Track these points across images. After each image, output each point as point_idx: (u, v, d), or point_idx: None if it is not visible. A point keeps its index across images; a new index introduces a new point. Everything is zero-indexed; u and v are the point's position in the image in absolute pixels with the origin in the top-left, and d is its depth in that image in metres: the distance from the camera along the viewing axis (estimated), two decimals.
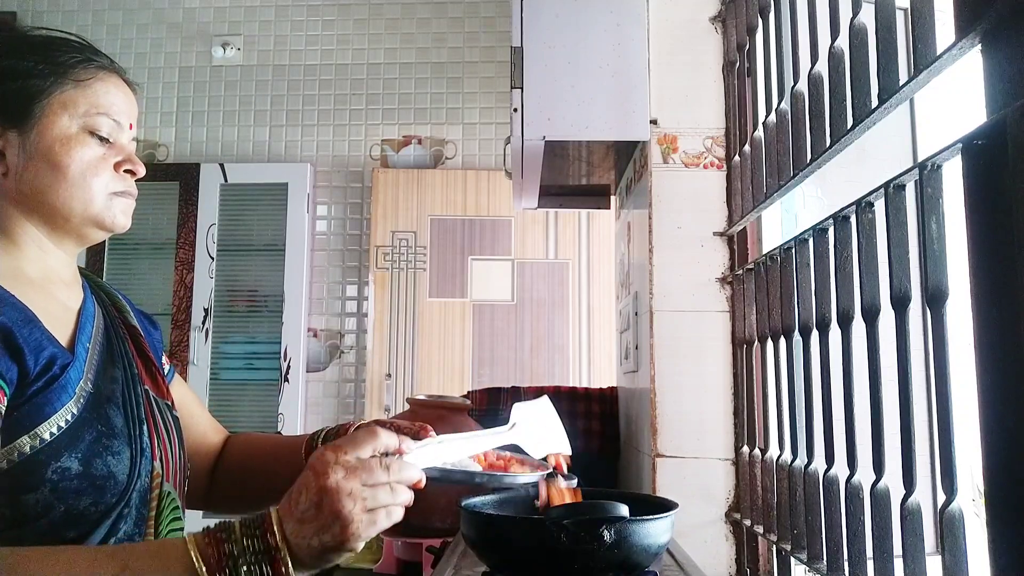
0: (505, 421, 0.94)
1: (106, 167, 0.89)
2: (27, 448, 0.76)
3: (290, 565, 0.70)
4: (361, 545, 0.73)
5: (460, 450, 0.87)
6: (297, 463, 0.96)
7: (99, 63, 0.91)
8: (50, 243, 0.90)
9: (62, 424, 0.78)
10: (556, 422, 0.99)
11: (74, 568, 0.66)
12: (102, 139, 0.89)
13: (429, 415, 1.63)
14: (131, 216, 0.93)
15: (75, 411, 0.80)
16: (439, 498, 1.51)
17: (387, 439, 0.76)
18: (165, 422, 0.94)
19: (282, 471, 0.96)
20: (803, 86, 1.12)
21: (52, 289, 0.89)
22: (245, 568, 0.69)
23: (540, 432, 0.96)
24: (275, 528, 0.71)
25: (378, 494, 0.72)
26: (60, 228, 0.89)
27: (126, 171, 0.91)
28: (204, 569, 0.68)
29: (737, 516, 1.44)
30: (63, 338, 0.85)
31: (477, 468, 0.91)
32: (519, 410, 0.96)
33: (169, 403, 0.99)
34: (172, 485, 0.92)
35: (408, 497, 0.76)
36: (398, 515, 0.75)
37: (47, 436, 0.77)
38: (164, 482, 0.90)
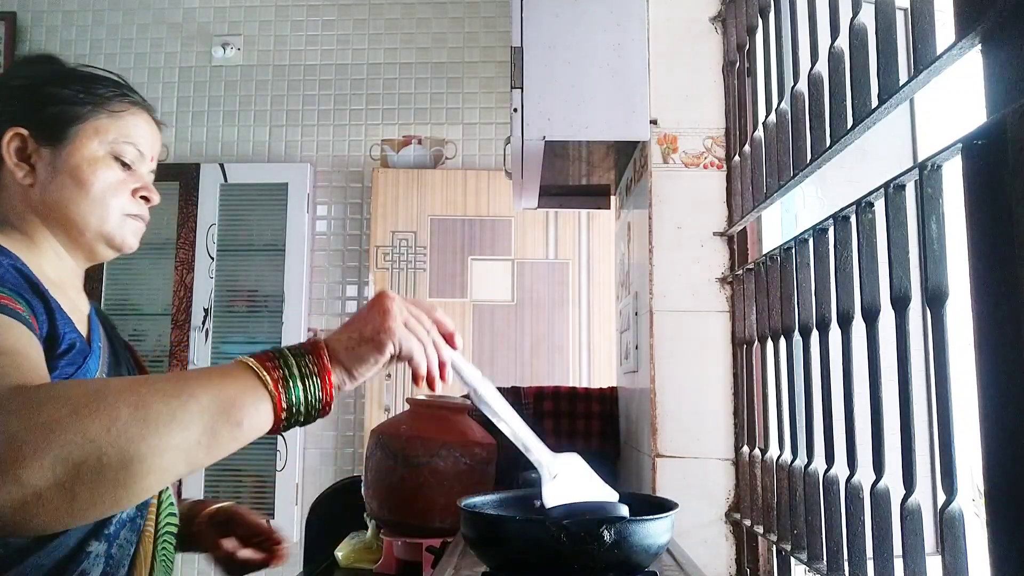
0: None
1: (125, 190, 0.98)
2: None
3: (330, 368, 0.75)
4: (388, 352, 0.77)
5: (496, 406, 0.87)
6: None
7: (133, 99, 1.01)
8: (65, 253, 0.97)
9: None
10: (595, 478, 0.94)
11: (137, 382, 0.69)
12: (125, 165, 0.98)
13: (429, 415, 1.63)
14: (140, 239, 1.01)
15: None
16: (439, 498, 1.51)
17: (445, 317, 0.85)
18: None
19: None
20: (803, 86, 1.12)
21: (67, 292, 0.95)
22: (299, 376, 0.73)
23: (576, 484, 0.91)
24: (322, 345, 0.76)
25: (419, 330, 0.80)
26: (75, 240, 0.96)
27: (142, 197, 0.99)
28: (267, 377, 0.72)
29: (737, 516, 1.44)
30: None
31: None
32: (566, 463, 0.92)
33: None
34: None
35: (435, 363, 0.81)
36: (423, 365, 0.80)
37: None
38: None
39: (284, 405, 0.72)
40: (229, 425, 0.68)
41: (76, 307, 0.95)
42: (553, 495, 0.89)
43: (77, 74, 0.99)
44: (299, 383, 0.73)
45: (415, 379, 0.82)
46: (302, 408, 0.73)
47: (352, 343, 0.77)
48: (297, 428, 3.36)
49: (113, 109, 0.97)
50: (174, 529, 1.04)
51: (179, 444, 0.65)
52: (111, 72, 1.01)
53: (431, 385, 0.82)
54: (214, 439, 0.68)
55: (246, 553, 1.11)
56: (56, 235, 0.95)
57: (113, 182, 0.96)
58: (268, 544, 1.12)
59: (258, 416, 0.71)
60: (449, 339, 0.84)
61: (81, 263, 0.99)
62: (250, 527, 1.12)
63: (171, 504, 1.02)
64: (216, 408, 0.68)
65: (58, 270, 0.96)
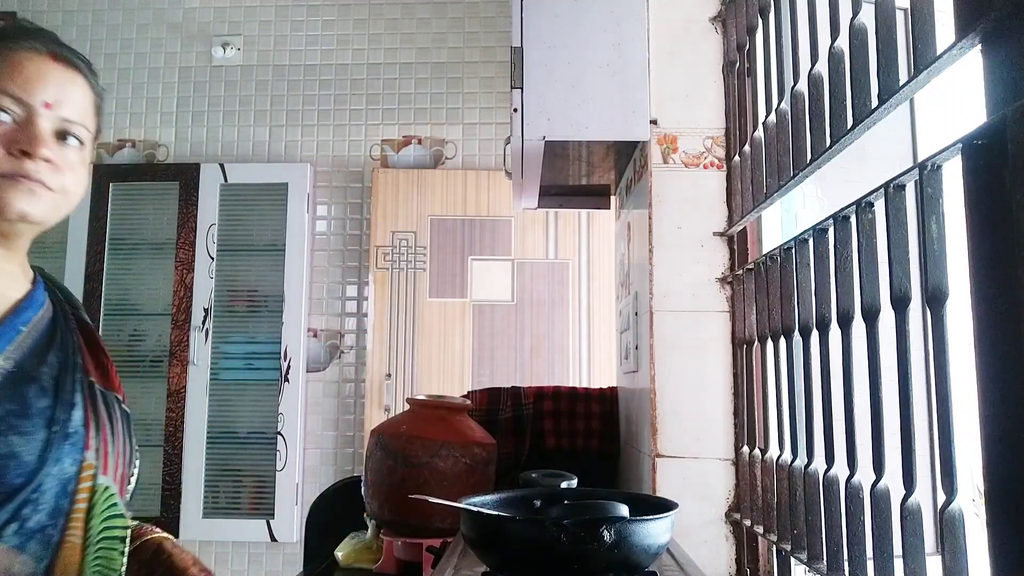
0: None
1: None
2: None
3: None
4: None
5: None
6: None
7: (30, 42, 0.85)
8: None
9: None
10: None
11: None
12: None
13: (429, 415, 1.63)
14: (41, 203, 0.84)
15: None
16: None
17: None
18: (111, 415, 0.92)
19: None
20: (803, 86, 1.12)
21: None
22: None
23: None
24: None
25: None
26: None
27: (23, 152, 0.82)
28: None
29: (737, 516, 1.44)
30: None
31: None
32: None
33: (119, 396, 0.96)
34: (112, 479, 0.89)
35: None
36: None
37: None
38: (100, 475, 0.87)
39: None
40: None
41: None
42: None
43: None
44: None
45: None
46: None
47: None
48: (296, 427, 3.34)
49: None
50: (122, 533, 0.90)
51: None
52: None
53: None
54: None
55: None
56: None
57: None
58: None
59: None
60: None
61: (2, 242, 0.85)
62: (174, 570, 0.96)
63: (112, 507, 0.88)
64: None
65: None
